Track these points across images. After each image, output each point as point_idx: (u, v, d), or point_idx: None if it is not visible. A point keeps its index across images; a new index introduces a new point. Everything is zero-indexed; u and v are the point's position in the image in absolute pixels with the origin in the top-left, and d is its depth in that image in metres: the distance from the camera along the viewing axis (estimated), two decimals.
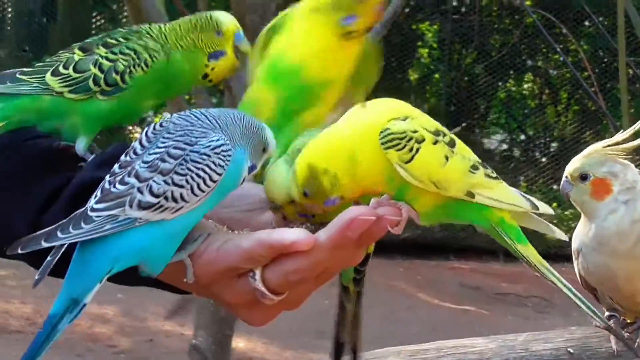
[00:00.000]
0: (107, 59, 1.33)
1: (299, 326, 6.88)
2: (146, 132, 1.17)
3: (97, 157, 1.32)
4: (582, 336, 2.28)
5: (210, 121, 1.17)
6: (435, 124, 1.17)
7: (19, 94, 1.33)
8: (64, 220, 1.11)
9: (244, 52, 1.39)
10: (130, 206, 1.11)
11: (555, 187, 10.95)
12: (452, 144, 1.17)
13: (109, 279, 1.14)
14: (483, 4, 11.36)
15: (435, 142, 1.15)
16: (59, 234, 1.10)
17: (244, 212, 1.25)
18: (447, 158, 1.15)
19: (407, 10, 10.86)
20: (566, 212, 10.85)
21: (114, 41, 1.35)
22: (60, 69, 1.33)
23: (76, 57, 1.34)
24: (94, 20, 10.41)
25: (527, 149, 11.87)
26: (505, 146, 12.06)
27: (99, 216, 1.10)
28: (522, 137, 12.13)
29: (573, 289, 1.22)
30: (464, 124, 11.35)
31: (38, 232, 1.11)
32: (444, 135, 1.17)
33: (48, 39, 10.41)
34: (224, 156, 1.14)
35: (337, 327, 1.41)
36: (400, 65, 11.27)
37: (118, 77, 1.32)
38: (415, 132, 1.14)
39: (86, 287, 1.12)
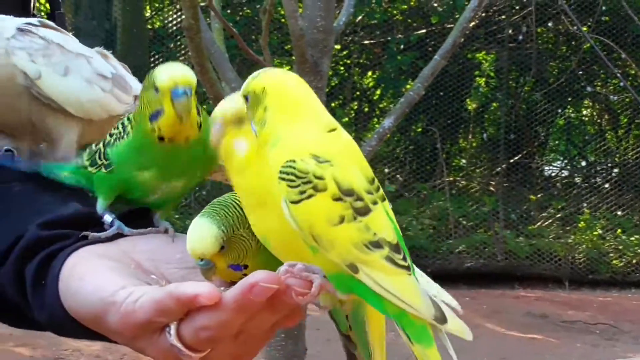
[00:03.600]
0: (110, 133, 1.30)
1: None
2: None
3: (52, 216, 1.31)
4: None
5: None
6: (358, 185, 1.07)
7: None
8: None
9: (182, 110, 1.20)
10: None
11: (619, 213, 10.81)
12: (362, 212, 1.05)
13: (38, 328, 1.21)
14: (539, 32, 11.32)
15: (338, 199, 1.05)
16: None
17: (186, 269, 1.23)
18: (342, 219, 1.05)
19: (462, 39, 10.86)
20: (632, 238, 10.70)
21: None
22: (93, 146, 1.33)
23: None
24: (152, 59, 10.52)
25: (588, 176, 11.76)
26: (566, 173, 11.97)
27: None
28: (583, 163, 12.03)
29: None
30: (524, 152, 11.29)
31: None
32: (360, 200, 1.06)
33: None
34: None
35: None
36: (458, 94, 11.23)
37: (109, 151, 1.29)
38: (320, 178, 1.05)
39: None
